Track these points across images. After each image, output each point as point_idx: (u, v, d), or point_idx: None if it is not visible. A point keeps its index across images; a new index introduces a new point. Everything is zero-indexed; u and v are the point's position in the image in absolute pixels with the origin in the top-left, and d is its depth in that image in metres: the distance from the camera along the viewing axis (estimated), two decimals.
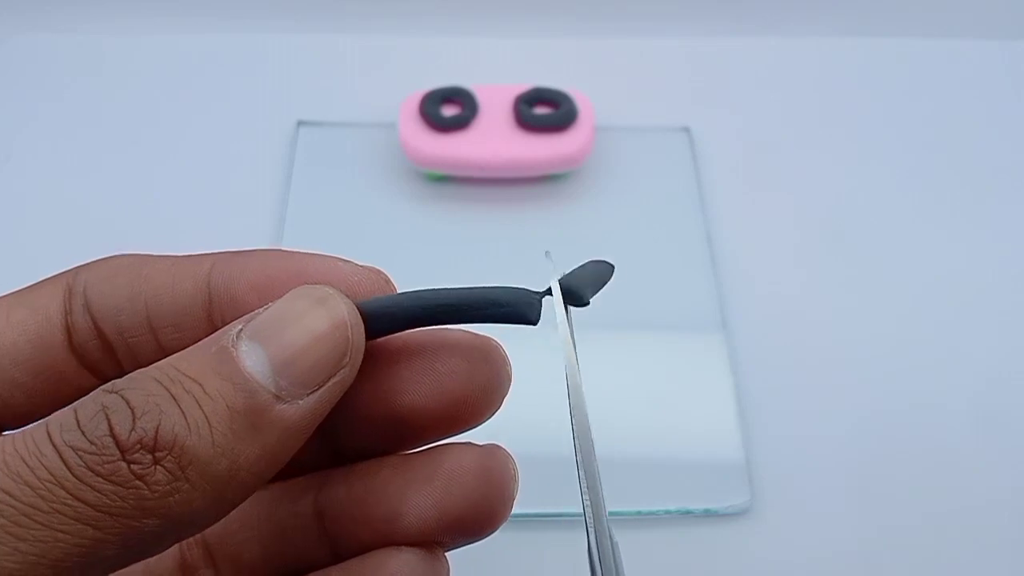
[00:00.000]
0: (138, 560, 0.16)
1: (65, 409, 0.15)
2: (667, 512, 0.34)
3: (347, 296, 0.18)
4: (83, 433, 0.15)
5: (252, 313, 0.17)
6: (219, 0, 0.50)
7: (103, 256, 0.20)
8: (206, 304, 0.19)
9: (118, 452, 0.15)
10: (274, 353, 0.16)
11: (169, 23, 0.50)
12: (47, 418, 0.15)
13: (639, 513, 0.34)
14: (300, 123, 0.46)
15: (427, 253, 0.42)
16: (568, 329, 0.18)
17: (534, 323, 0.18)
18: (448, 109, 0.43)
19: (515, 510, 0.20)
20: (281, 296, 0.18)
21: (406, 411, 0.19)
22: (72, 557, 0.14)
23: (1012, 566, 0.34)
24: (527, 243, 0.42)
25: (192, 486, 0.15)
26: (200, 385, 0.16)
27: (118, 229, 0.42)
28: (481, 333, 0.19)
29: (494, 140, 0.42)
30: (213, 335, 0.17)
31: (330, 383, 0.17)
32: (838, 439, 0.37)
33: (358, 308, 0.18)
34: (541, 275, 0.45)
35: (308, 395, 0.16)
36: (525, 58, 0.48)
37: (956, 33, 0.51)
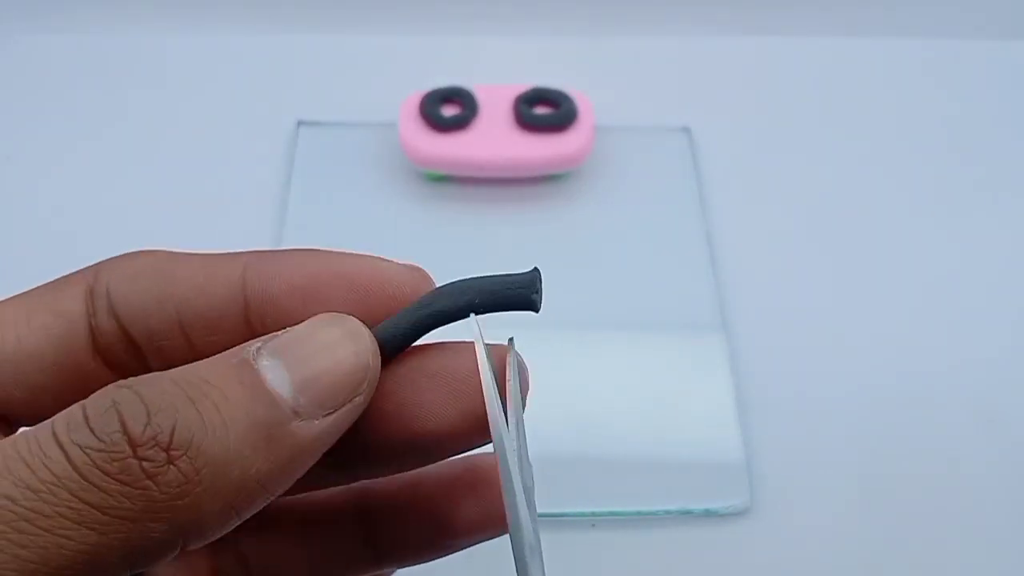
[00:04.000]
0: (139, 570, 0.15)
1: (73, 406, 0.15)
2: (667, 512, 0.34)
3: (366, 322, 0.18)
4: (91, 430, 0.14)
5: (271, 334, 0.17)
6: (220, 0, 0.50)
7: (122, 253, 0.19)
8: (242, 307, 0.18)
9: (129, 449, 0.14)
10: (296, 370, 0.16)
11: (169, 23, 0.50)
12: (53, 417, 0.15)
13: (639, 513, 0.34)
14: (300, 123, 0.46)
15: (427, 253, 0.41)
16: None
17: (536, 309, 0.18)
18: (448, 109, 0.43)
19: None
20: (312, 307, 0.18)
21: (428, 433, 0.19)
22: (75, 564, 0.14)
23: (1012, 566, 0.34)
24: (527, 243, 0.42)
25: (203, 490, 0.15)
26: (221, 390, 0.15)
27: (118, 229, 0.42)
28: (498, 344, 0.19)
29: (494, 140, 0.42)
30: (232, 349, 0.17)
31: (346, 407, 0.17)
32: (838, 439, 0.37)
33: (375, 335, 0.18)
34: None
35: (324, 416, 0.16)
36: (525, 58, 0.48)
37: (957, 33, 0.51)
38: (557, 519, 0.34)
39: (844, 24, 0.51)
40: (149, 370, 0.19)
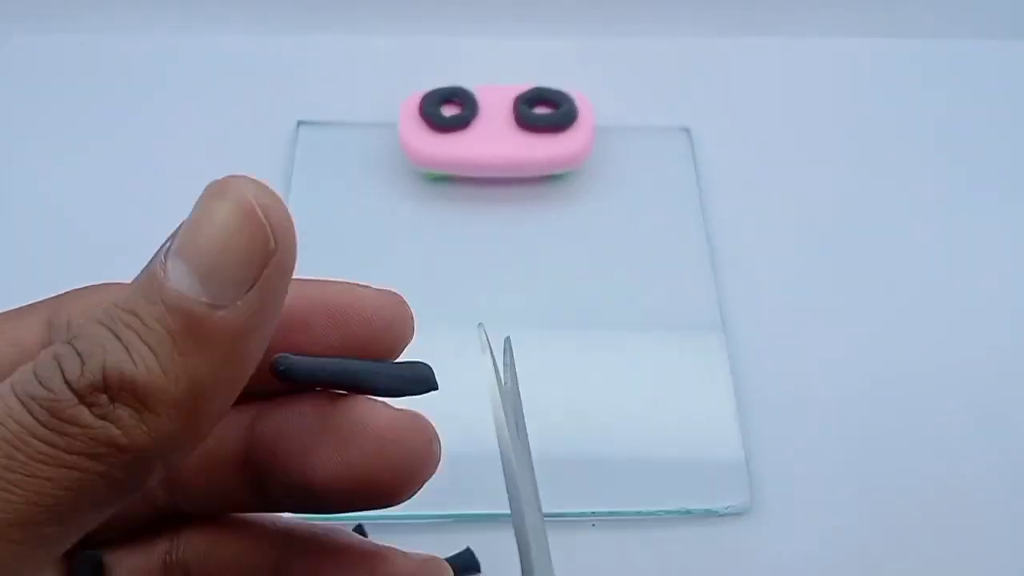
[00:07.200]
0: (133, 495, 0.16)
1: (26, 364, 0.16)
2: (667, 512, 0.34)
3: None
4: (40, 383, 0.15)
5: (181, 223, 0.16)
6: (219, 0, 0.50)
7: (85, 285, 0.19)
8: None
9: (75, 398, 0.15)
10: (195, 262, 0.15)
11: (169, 23, 0.50)
12: (12, 375, 0.15)
13: (639, 513, 0.34)
14: (300, 123, 0.46)
15: (427, 253, 0.42)
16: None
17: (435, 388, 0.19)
18: (448, 109, 0.43)
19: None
20: (292, 336, 0.18)
21: (318, 485, 0.18)
22: (64, 501, 0.15)
23: (1012, 565, 0.34)
24: (527, 243, 0.42)
25: (157, 415, 0.15)
26: (135, 315, 0.15)
27: (118, 229, 0.42)
28: (407, 410, 0.19)
29: (494, 140, 0.42)
30: (150, 261, 0.16)
31: (266, 274, 0.16)
32: (838, 439, 0.37)
33: (280, 360, 0.18)
34: (540, 275, 0.45)
35: (247, 293, 0.16)
36: (525, 58, 0.48)
37: (957, 33, 0.51)
38: (557, 519, 0.34)
39: (844, 24, 0.51)
40: None
